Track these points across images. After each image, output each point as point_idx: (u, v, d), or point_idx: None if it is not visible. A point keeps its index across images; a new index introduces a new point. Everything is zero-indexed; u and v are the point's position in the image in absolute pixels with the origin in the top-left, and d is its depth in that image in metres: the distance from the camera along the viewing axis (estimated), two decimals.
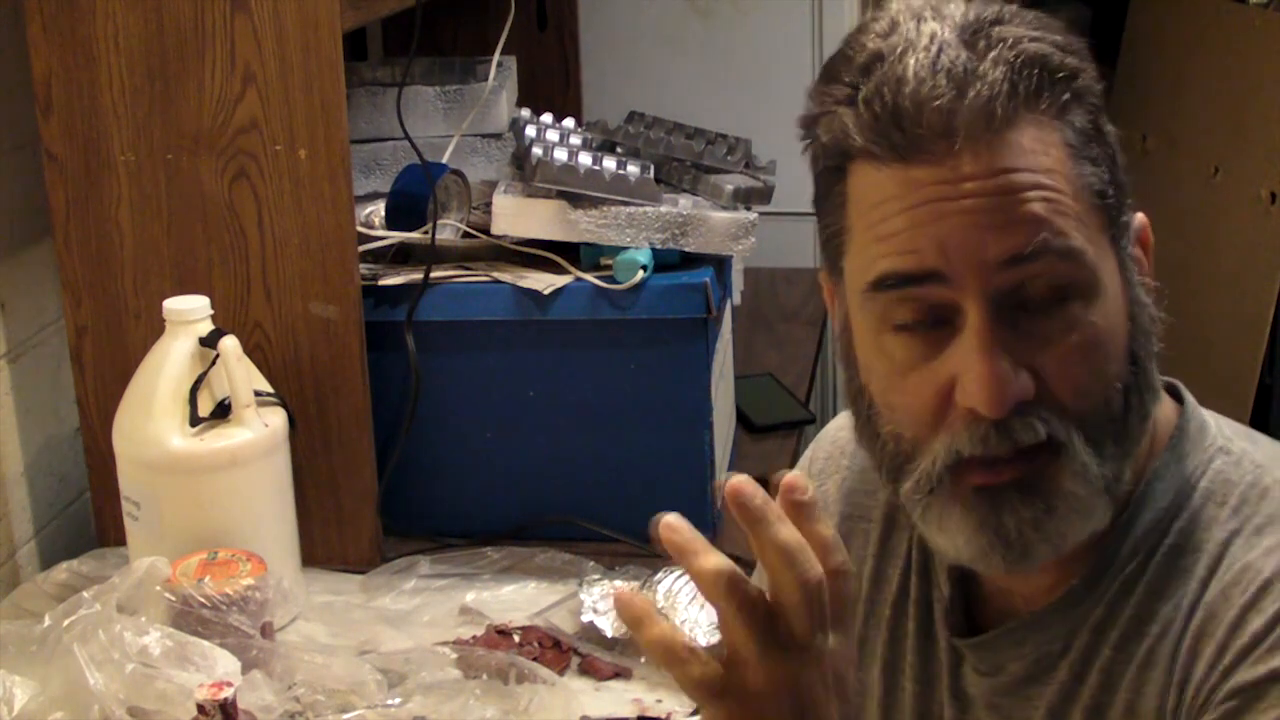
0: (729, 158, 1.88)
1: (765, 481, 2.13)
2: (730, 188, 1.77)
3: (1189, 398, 0.97)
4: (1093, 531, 0.88)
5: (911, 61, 0.85)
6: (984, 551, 0.87)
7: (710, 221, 1.72)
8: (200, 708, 1.21)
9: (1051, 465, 0.86)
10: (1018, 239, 0.84)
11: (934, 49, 0.86)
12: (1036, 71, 0.85)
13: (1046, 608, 0.93)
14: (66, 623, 1.34)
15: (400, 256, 1.79)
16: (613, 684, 1.49)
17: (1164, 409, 0.95)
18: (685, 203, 1.76)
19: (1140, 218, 0.92)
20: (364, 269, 1.70)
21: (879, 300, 0.87)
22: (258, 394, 1.57)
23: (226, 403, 1.55)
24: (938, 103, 0.84)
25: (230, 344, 1.53)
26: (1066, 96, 0.86)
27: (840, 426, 1.11)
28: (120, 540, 1.64)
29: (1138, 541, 0.91)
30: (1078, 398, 0.85)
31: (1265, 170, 3.15)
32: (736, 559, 1.86)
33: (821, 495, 1.07)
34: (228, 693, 1.22)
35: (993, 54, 0.85)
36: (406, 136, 1.76)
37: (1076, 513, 0.86)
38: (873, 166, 0.87)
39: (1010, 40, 0.86)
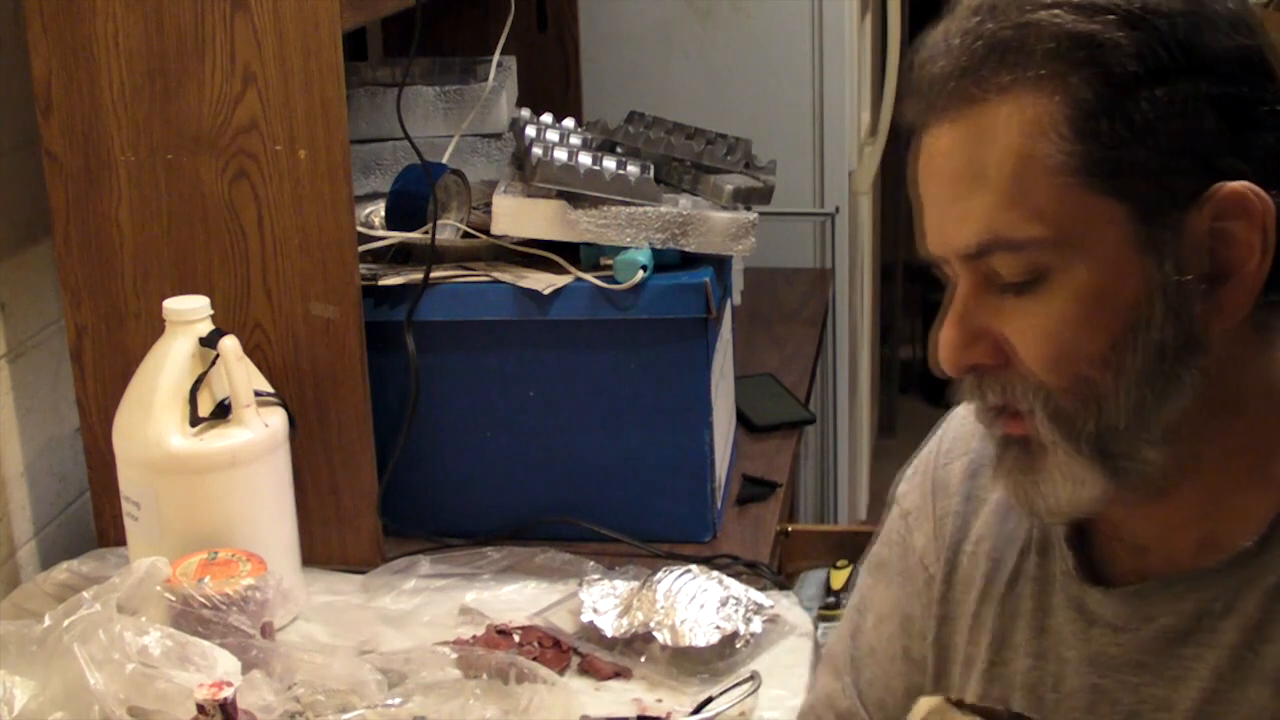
0: (729, 158, 1.88)
1: (767, 482, 2.13)
2: (730, 188, 1.77)
3: None
4: (1095, 498, 0.90)
5: (941, 25, 0.88)
6: (1007, 490, 0.94)
7: (710, 221, 1.72)
8: (200, 708, 1.21)
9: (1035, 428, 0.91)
10: (967, 236, 0.88)
11: (959, 14, 0.88)
12: (1025, 40, 0.84)
13: (1214, 564, 0.91)
14: (66, 623, 1.34)
15: (400, 256, 1.79)
16: (613, 684, 1.49)
17: None
18: (685, 203, 1.76)
19: (1232, 188, 0.85)
20: (364, 269, 1.70)
21: None
22: (258, 394, 1.57)
23: (226, 403, 1.55)
24: (925, 70, 0.88)
25: (230, 344, 1.53)
26: (1062, 67, 0.84)
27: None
28: (120, 540, 1.64)
29: None
30: (1045, 373, 0.88)
31: None
32: (734, 559, 1.87)
33: (947, 474, 1.10)
34: (228, 693, 1.22)
35: (990, 24, 0.85)
36: (406, 136, 1.76)
37: (1058, 476, 0.90)
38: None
39: (1020, 7, 0.85)
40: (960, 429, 1.12)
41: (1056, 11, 0.84)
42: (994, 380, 0.91)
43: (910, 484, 1.13)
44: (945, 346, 0.91)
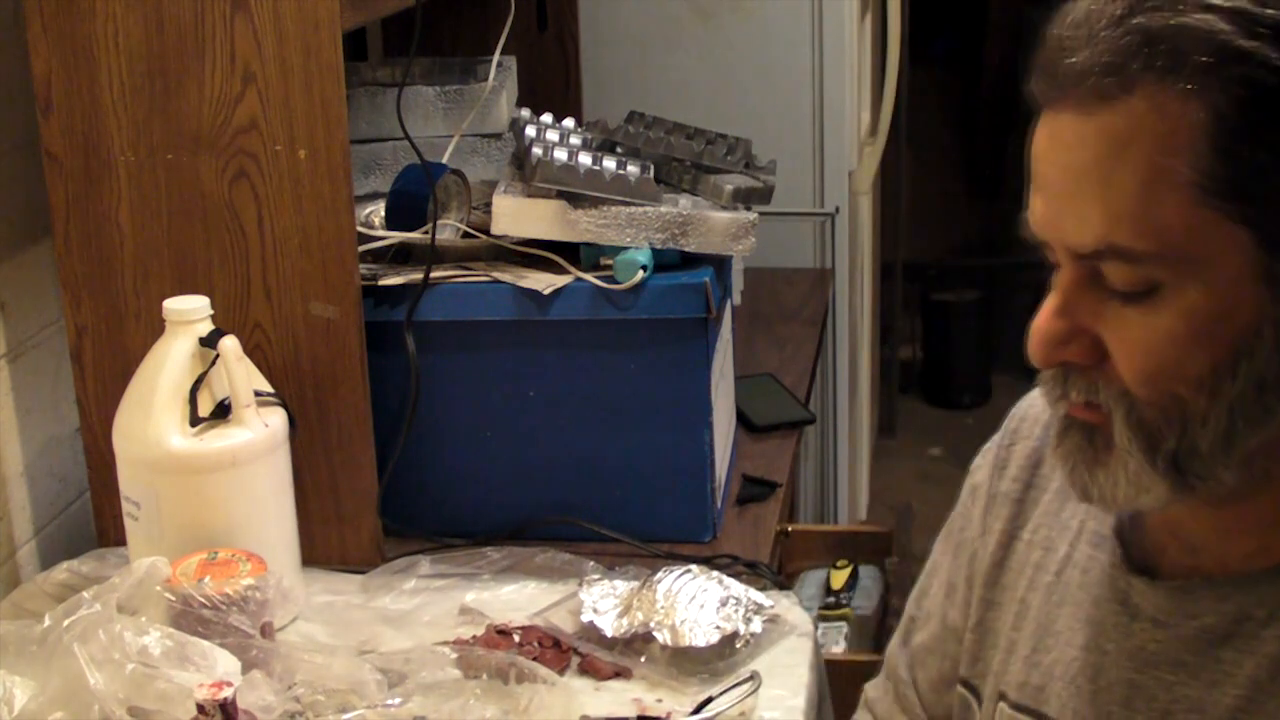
0: (729, 158, 1.88)
1: (767, 482, 2.14)
2: (730, 188, 1.77)
3: None
4: (1154, 504, 0.89)
5: (1083, 4, 0.85)
6: (1063, 471, 0.93)
7: (710, 221, 1.72)
8: (200, 708, 1.21)
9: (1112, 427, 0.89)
10: (1084, 236, 0.85)
11: None
12: (1179, 45, 0.80)
13: (1262, 570, 0.91)
14: (66, 623, 1.34)
15: (400, 256, 1.79)
16: (613, 684, 1.49)
17: None
18: (685, 203, 1.76)
19: None
20: (364, 269, 1.70)
21: None
22: (258, 394, 1.57)
23: (226, 403, 1.55)
24: (1062, 53, 0.84)
25: (230, 344, 1.53)
26: (1212, 81, 0.80)
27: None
28: (120, 540, 1.64)
29: None
30: (1137, 385, 0.86)
31: None
32: (734, 559, 1.87)
33: (1009, 455, 1.11)
34: (228, 693, 1.22)
35: (1141, 17, 0.81)
36: (406, 136, 1.76)
37: (1122, 478, 0.89)
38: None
39: (1176, 6, 0.81)
40: (1028, 412, 1.12)
41: (1213, 18, 0.80)
42: (1080, 379, 0.89)
43: (982, 459, 1.14)
44: (1041, 341, 0.88)
